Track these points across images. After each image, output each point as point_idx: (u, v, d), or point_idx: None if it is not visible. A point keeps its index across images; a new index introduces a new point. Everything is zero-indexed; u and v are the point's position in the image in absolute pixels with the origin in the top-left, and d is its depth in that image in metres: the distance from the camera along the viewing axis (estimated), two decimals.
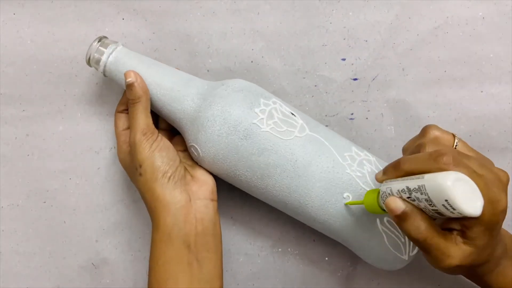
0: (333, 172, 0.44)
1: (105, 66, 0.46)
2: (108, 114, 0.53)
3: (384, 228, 0.44)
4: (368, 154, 0.46)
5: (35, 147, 0.53)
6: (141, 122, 0.44)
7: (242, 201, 0.53)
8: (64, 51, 0.53)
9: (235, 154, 0.44)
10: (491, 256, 0.39)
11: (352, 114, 0.53)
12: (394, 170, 0.39)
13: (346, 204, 0.44)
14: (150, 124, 0.45)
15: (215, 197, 0.46)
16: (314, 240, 0.54)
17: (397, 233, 0.44)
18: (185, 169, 0.46)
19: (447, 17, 0.52)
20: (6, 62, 0.53)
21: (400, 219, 0.37)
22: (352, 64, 0.53)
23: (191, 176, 0.46)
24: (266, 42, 0.53)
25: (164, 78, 0.46)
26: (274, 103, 0.45)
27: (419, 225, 0.36)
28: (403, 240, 0.44)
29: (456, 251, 0.36)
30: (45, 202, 0.54)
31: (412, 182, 0.36)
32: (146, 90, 0.45)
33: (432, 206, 0.35)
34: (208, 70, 0.53)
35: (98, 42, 0.46)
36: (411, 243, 0.44)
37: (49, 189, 0.54)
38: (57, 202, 0.54)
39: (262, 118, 0.44)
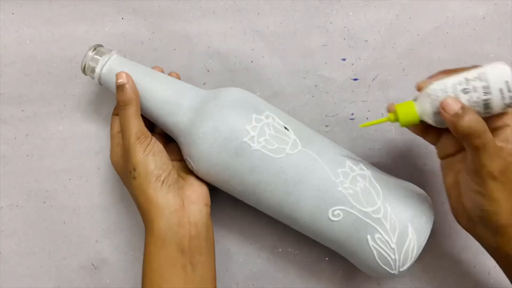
0: (324, 190, 0.44)
1: (100, 74, 0.46)
2: (108, 114, 0.53)
3: (374, 245, 0.44)
4: (363, 167, 0.46)
5: (35, 147, 0.53)
6: (135, 125, 0.44)
7: (242, 201, 0.53)
8: (64, 51, 0.53)
9: (226, 171, 0.44)
10: None
11: (352, 114, 0.53)
12: (444, 73, 0.42)
13: (361, 126, 0.45)
14: (143, 127, 0.45)
15: (209, 202, 0.46)
16: (314, 240, 0.54)
17: (387, 250, 0.44)
18: (179, 173, 0.47)
19: (448, 17, 0.52)
20: (6, 62, 0.53)
21: (459, 116, 0.38)
22: (352, 64, 0.53)
23: (185, 180, 0.46)
24: (266, 42, 0.53)
25: (157, 90, 0.46)
26: (267, 117, 0.45)
27: (478, 119, 0.38)
28: (393, 257, 0.44)
29: (507, 155, 0.39)
30: (44, 203, 0.54)
31: (470, 73, 0.40)
32: (137, 93, 0.45)
33: (486, 95, 0.39)
34: (208, 70, 0.53)
35: (93, 50, 0.46)
36: (402, 259, 0.44)
37: (48, 189, 0.54)
38: (56, 203, 0.54)
39: (253, 136, 0.43)
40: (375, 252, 0.44)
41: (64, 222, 0.54)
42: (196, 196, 0.45)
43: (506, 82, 0.38)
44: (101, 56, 0.46)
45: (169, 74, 0.50)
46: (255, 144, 0.43)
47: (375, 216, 0.44)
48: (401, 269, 0.44)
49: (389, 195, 0.45)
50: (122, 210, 0.54)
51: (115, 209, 0.54)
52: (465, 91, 0.39)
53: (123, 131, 0.45)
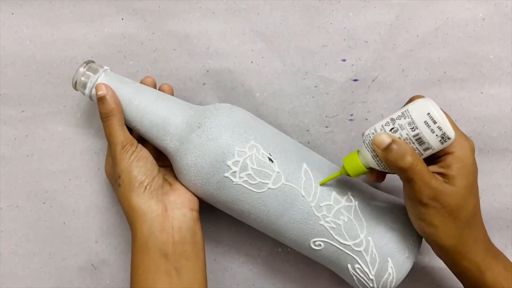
0: (305, 224, 0.44)
1: (91, 91, 0.46)
2: None
3: (354, 273, 0.45)
4: (351, 196, 0.45)
5: (35, 147, 0.53)
6: (119, 135, 0.45)
7: None
8: (63, 51, 0.53)
9: (211, 199, 0.46)
10: (474, 216, 0.41)
11: (351, 115, 0.53)
12: None
13: (321, 184, 0.45)
14: (127, 135, 0.45)
15: (196, 206, 0.46)
16: None
17: (366, 279, 0.45)
18: (164, 179, 0.47)
19: (447, 18, 0.52)
20: (5, 63, 0.53)
21: (387, 150, 0.39)
22: (352, 65, 0.53)
23: (171, 186, 0.46)
24: (266, 43, 0.53)
25: (146, 111, 0.45)
26: (251, 148, 0.44)
27: (405, 153, 0.39)
28: (372, 285, 0.45)
29: (438, 184, 0.39)
30: (44, 203, 0.54)
31: (395, 113, 0.40)
32: (118, 103, 0.45)
33: (414, 130, 0.39)
34: (207, 71, 0.53)
35: (85, 67, 0.46)
36: (380, 286, 0.44)
37: (48, 190, 0.54)
38: (56, 203, 0.54)
39: (235, 171, 0.44)
40: (355, 278, 0.45)
41: (64, 223, 0.54)
42: (181, 201, 0.45)
43: (428, 114, 0.38)
44: (92, 73, 0.46)
45: (161, 86, 0.50)
46: (237, 179, 0.44)
47: (356, 249, 0.44)
48: None
49: (374, 228, 0.45)
50: (121, 211, 0.54)
51: (114, 209, 0.54)
52: (393, 131, 0.40)
53: (109, 141, 0.45)
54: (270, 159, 0.44)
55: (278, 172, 0.44)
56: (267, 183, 0.44)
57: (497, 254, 0.43)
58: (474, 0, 0.52)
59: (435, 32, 0.52)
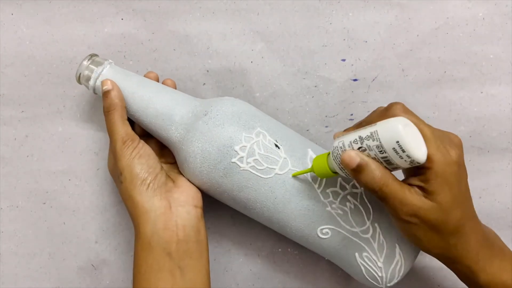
0: (312, 210, 0.44)
1: (95, 84, 0.46)
2: None
3: (362, 262, 0.45)
4: (356, 184, 0.45)
5: (35, 148, 0.53)
6: (120, 130, 0.44)
7: None
8: (63, 51, 0.53)
9: (217, 188, 0.45)
10: (460, 226, 0.39)
11: (352, 115, 0.53)
12: (354, 127, 0.42)
13: (293, 176, 0.44)
14: (129, 131, 0.45)
15: (199, 203, 0.46)
16: None
17: (374, 268, 0.44)
18: (167, 176, 0.46)
19: (447, 18, 0.52)
20: (5, 63, 0.53)
21: (356, 171, 0.37)
22: (352, 64, 0.53)
23: (174, 183, 0.46)
24: (266, 43, 0.53)
25: (150, 102, 0.45)
26: (258, 135, 0.44)
27: (374, 174, 0.37)
28: (380, 274, 0.44)
29: (414, 200, 0.38)
30: (44, 203, 0.54)
31: (364, 131, 0.37)
32: (121, 98, 0.45)
33: (382, 153, 0.36)
34: (207, 71, 0.53)
35: (88, 60, 0.46)
36: (389, 277, 0.44)
37: (48, 190, 0.54)
38: (56, 203, 0.54)
39: (242, 157, 0.43)
40: (362, 268, 0.45)
41: (64, 223, 0.54)
42: (185, 198, 0.45)
43: (397, 142, 0.35)
44: (96, 66, 0.46)
45: (164, 81, 0.50)
46: (244, 164, 0.43)
47: (363, 236, 0.44)
48: (388, 285, 0.45)
49: (380, 214, 0.45)
50: (121, 211, 0.54)
51: (114, 209, 0.54)
52: (360, 150, 0.37)
53: (110, 136, 0.45)
54: (276, 145, 0.44)
55: (285, 158, 0.44)
56: (274, 169, 0.44)
57: (493, 254, 0.41)
58: None
59: (435, 32, 0.52)
